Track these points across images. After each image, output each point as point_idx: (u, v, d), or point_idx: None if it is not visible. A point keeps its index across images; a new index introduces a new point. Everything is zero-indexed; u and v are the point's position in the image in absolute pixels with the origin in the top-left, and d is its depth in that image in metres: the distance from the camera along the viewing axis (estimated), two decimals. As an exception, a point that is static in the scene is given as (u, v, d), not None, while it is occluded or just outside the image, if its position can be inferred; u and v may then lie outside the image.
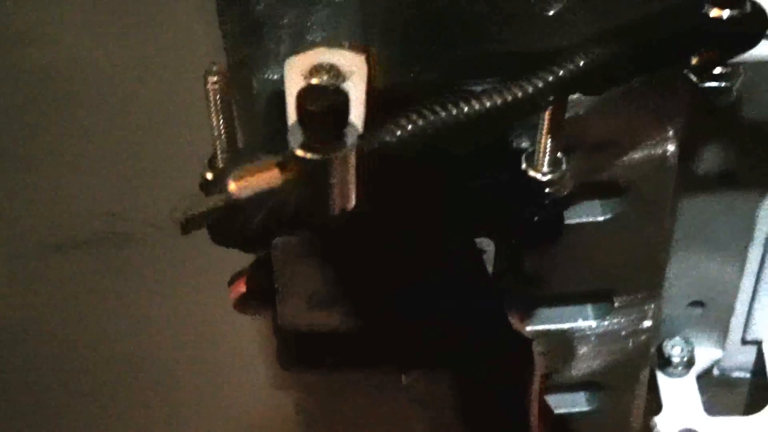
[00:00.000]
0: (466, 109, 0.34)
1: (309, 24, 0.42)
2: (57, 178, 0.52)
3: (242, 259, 0.53)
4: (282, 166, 0.31)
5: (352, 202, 0.33)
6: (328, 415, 0.55)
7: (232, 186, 0.30)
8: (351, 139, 0.32)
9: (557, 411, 0.53)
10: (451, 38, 0.39)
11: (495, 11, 0.40)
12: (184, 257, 0.55)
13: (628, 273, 0.49)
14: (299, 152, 0.31)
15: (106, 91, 0.51)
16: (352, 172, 0.32)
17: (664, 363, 0.61)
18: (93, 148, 0.53)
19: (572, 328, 0.50)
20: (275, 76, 0.40)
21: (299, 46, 0.39)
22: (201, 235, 0.55)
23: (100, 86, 0.51)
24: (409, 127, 0.33)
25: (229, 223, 0.32)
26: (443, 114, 0.34)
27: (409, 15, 0.39)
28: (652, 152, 0.43)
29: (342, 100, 0.31)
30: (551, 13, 0.40)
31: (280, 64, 0.39)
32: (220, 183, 0.31)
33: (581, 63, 0.36)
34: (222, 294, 0.55)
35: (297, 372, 0.45)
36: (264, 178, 0.31)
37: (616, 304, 0.50)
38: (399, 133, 0.33)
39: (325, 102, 0.31)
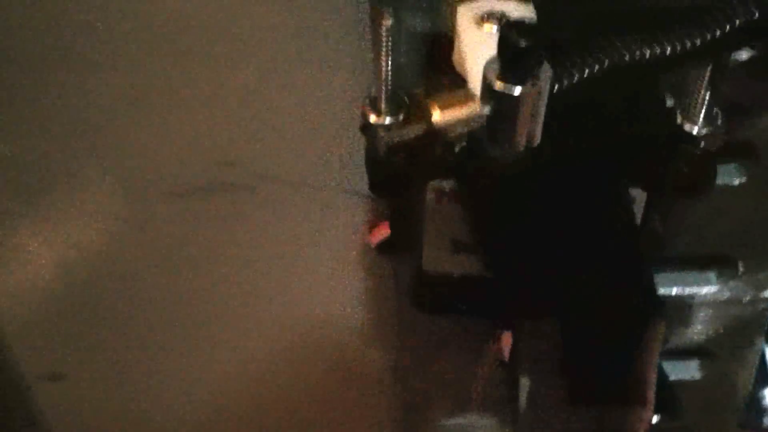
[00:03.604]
0: (648, 51, 0.35)
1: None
2: (179, 128, 0.53)
3: (356, 223, 0.54)
4: (481, 98, 0.32)
5: (538, 138, 0.34)
6: (420, 373, 0.57)
7: (436, 113, 0.31)
8: (545, 75, 0.33)
9: (670, 378, 0.54)
10: None
11: None
12: (294, 208, 0.56)
13: (756, 240, 0.49)
14: (499, 85, 0.32)
15: (225, 43, 0.52)
16: (543, 108, 0.33)
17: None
18: (213, 100, 0.54)
19: (695, 293, 0.51)
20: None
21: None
22: (310, 187, 0.57)
23: (217, 37, 0.52)
24: (596, 65, 0.34)
25: (427, 152, 0.32)
26: (626, 54, 0.35)
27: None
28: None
29: (539, 39, 0.32)
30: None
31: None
32: (418, 113, 0.32)
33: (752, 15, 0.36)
34: (328, 245, 0.56)
35: (431, 313, 0.46)
36: (464, 107, 0.32)
37: (740, 271, 0.50)
38: (586, 70, 0.34)
39: (528, 38, 0.31)
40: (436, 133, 0.32)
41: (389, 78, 0.40)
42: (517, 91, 0.32)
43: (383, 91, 0.41)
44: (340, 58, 0.48)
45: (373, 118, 0.41)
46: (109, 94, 0.52)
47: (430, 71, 0.41)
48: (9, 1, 0.48)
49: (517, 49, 0.31)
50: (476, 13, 0.39)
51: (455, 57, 0.39)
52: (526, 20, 0.34)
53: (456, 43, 0.39)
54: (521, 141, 0.33)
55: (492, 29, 0.39)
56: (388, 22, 0.39)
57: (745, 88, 0.42)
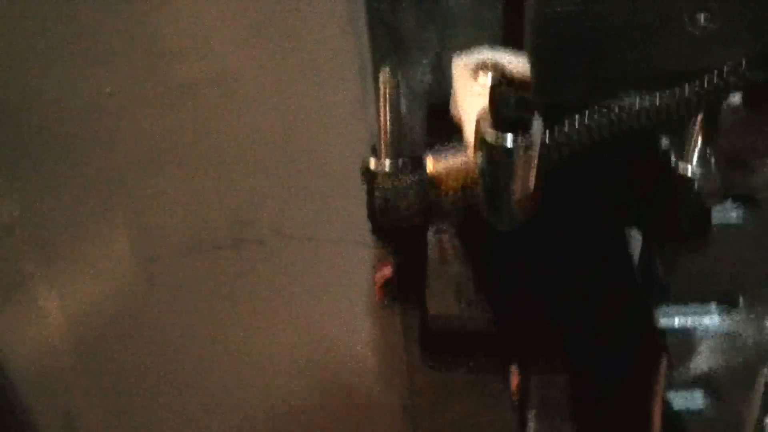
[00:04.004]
0: (636, 109, 0.36)
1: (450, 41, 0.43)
2: (195, 187, 0.54)
3: (362, 272, 0.56)
4: (474, 150, 0.33)
5: (531, 191, 0.35)
6: (434, 416, 0.57)
7: (430, 163, 0.32)
8: (537, 128, 0.34)
9: (674, 408, 0.55)
10: (601, 58, 0.41)
11: (644, 29, 0.41)
12: (307, 262, 0.57)
13: (756, 276, 0.50)
14: (490, 137, 0.33)
15: (247, 106, 0.54)
16: (535, 160, 0.34)
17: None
18: (228, 159, 0.56)
19: (697, 325, 0.52)
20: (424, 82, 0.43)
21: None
22: (322, 242, 0.58)
23: (242, 101, 0.53)
24: (585, 123, 0.35)
25: (421, 200, 0.34)
26: (614, 115, 0.36)
27: (555, 38, 0.40)
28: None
29: (530, 93, 0.33)
30: (697, 33, 0.42)
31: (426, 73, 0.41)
32: (415, 165, 0.33)
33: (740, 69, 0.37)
34: (341, 297, 0.57)
35: (440, 370, 0.47)
36: (458, 158, 0.33)
37: (740, 305, 0.51)
38: (576, 127, 0.35)
39: (519, 92, 0.33)
40: (431, 183, 0.33)
41: (389, 127, 0.42)
42: (509, 140, 0.33)
43: (384, 139, 0.42)
44: (346, 111, 0.49)
45: (372, 165, 0.42)
46: (123, 156, 0.54)
47: (432, 122, 0.42)
48: (29, 60, 0.50)
49: (508, 100, 0.32)
50: (471, 64, 0.40)
51: (452, 108, 0.40)
52: (519, 73, 0.35)
53: (452, 94, 0.40)
54: (514, 193, 0.34)
55: (486, 80, 0.40)
56: (386, 73, 0.40)
57: (738, 131, 0.43)
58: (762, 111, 0.42)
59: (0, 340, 0.59)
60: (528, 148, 0.33)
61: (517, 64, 0.40)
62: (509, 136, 0.32)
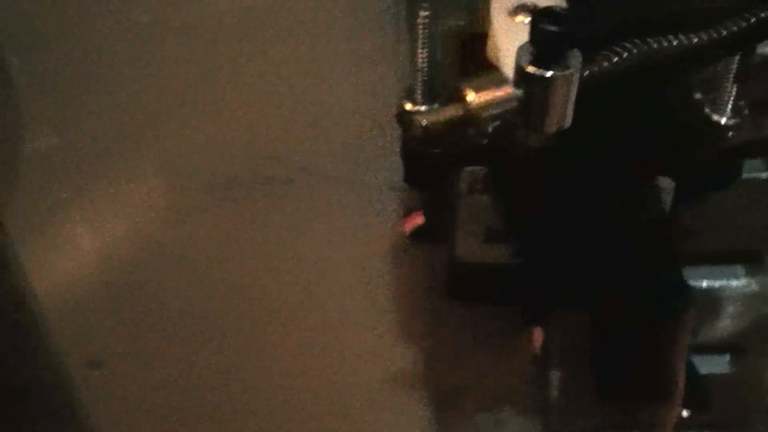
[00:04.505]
0: (675, 43, 0.36)
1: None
2: (226, 123, 0.55)
3: (382, 206, 0.56)
4: (514, 81, 0.33)
5: (569, 122, 0.35)
6: (452, 367, 0.58)
7: (470, 95, 0.33)
8: (576, 60, 0.34)
9: (701, 373, 0.55)
10: None
11: None
12: (335, 203, 0.57)
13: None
14: (530, 68, 0.33)
15: (265, 42, 0.54)
16: (574, 92, 0.34)
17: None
18: (254, 96, 0.56)
19: (723, 287, 0.52)
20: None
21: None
22: (347, 180, 0.58)
23: (257, 37, 0.53)
24: (625, 54, 0.35)
25: (462, 134, 0.34)
26: (654, 45, 0.36)
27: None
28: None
29: (572, 24, 0.33)
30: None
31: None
32: (454, 95, 0.33)
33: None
34: (364, 236, 0.57)
35: (464, 302, 0.47)
36: (498, 90, 0.33)
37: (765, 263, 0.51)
38: (616, 59, 0.35)
39: (560, 23, 0.33)
40: (470, 115, 0.33)
41: (425, 68, 0.42)
42: (549, 74, 0.33)
43: (419, 81, 0.42)
44: (377, 53, 0.50)
45: (408, 106, 0.42)
46: (155, 92, 0.54)
47: (464, 62, 0.43)
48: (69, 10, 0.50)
49: (548, 34, 0.33)
50: (509, 6, 0.41)
51: (489, 48, 0.41)
52: (557, 7, 0.35)
53: (490, 35, 0.40)
54: (552, 124, 0.34)
55: (524, 20, 0.40)
56: (424, 14, 0.40)
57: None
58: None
59: (31, 263, 0.59)
60: (567, 79, 0.34)
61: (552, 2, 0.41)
62: (550, 71, 0.33)
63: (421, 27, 0.40)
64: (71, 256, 0.58)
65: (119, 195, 0.57)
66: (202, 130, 0.56)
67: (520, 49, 0.34)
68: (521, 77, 0.33)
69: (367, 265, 0.58)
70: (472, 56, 0.42)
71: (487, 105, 0.33)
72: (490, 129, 0.33)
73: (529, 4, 0.41)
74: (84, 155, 0.56)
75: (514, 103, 0.33)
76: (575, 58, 0.34)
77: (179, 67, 0.54)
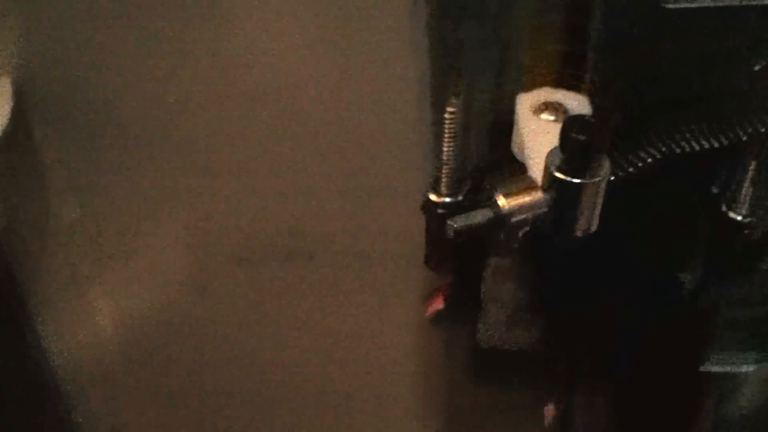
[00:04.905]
0: (693, 144, 0.37)
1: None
2: (249, 197, 0.56)
3: (401, 285, 0.57)
4: (542, 186, 0.34)
5: (595, 226, 0.36)
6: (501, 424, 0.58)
7: (501, 200, 0.34)
8: (604, 167, 0.35)
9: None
10: (664, 84, 0.42)
11: (709, 63, 0.43)
12: (355, 280, 0.58)
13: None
14: (559, 174, 0.34)
15: (304, 119, 0.55)
16: (601, 198, 0.35)
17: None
18: (284, 171, 0.57)
19: (738, 371, 0.53)
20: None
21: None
22: (367, 255, 0.59)
23: (299, 113, 0.55)
24: (649, 159, 0.37)
25: (493, 235, 0.35)
26: (676, 147, 0.37)
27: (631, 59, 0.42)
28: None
29: (601, 134, 0.34)
30: (757, 68, 0.43)
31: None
32: (486, 198, 0.34)
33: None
34: (383, 313, 0.58)
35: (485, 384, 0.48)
36: (528, 195, 0.34)
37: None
38: (641, 165, 0.37)
39: (589, 132, 0.34)
40: (500, 219, 0.34)
41: (451, 161, 0.43)
42: (578, 181, 0.34)
43: (443, 173, 0.43)
44: (403, 137, 0.51)
45: (433, 197, 0.44)
46: (180, 167, 0.55)
47: (491, 155, 0.44)
48: (97, 64, 0.52)
49: (578, 142, 0.34)
50: (534, 103, 0.42)
51: (514, 142, 0.42)
52: (586, 116, 0.36)
53: (515, 130, 0.42)
54: (580, 229, 0.35)
55: (549, 117, 0.41)
56: (451, 110, 0.42)
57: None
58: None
59: (52, 337, 0.60)
60: (596, 186, 0.35)
61: (578, 102, 0.42)
62: (579, 179, 0.34)
63: (447, 121, 0.42)
64: (92, 328, 0.59)
65: (140, 266, 0.58)
66: (224, 204, 0.57)
67: (550, 154, 0.35)
68: (551, 183, 0.35)
69: (386, 341, 0.59)
70: (498, 148, 0.43)
71: (518, 210, 0.34)
72: (519, 234, 0.35)
73: (554, 102, 0.42)
74: (106, 227, 0.57)
75: (544, 209, 0.34)
76: (604, 165, 0.35)
77: (204, 142, 0.55)
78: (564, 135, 0.34)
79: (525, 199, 0.34)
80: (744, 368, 0.54)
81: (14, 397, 0.57)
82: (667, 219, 0.43)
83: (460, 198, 0.42)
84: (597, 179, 0.34)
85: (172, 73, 0.53)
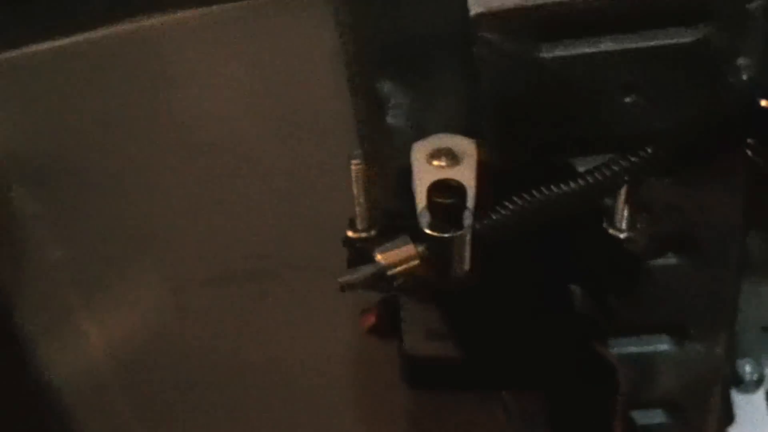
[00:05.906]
0: (556, 193, 0.43)
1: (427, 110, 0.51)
2: (217, 228, 0.62)
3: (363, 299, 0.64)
4: (415, 242, 0.41)
5: (468, 267, 0.42)
6: (439, 425, 0.65)
7: (380, 258, 0.40)
8: (468, 221, 0.41)
9: (639, 423, 0.62)
10: (544, 125, 0.48)
11: (582, 100, 0.48)
12: (316, 293, 0.65)
13: (701, 309, 0.57)
14: (428, 231, 0.41)
15: (256, 162, 0.62)
16: (468, 245, 0.41)
17: (737, 380, 0.68)
18: (245, 206, 0.64)
19: (652, 352, 0.59)
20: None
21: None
22: (328, 275, 0.66)
23: (251, 158, 0.61)
24: (510, 210, 0.42)
25: (376, 285, 0.41)
26: (537, 198, 0.43)
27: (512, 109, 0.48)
28: (718, 214, 0.51)
29: (462, 194, 0.41)
30: (627, 99, 0.49)
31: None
32: (369, 256, 0.40)
33: (653, 153, 0.44)
34: (345, 325, 0.65)
35: (419, 389, 0.54)
36: (402, 252, 0.40)
37: (690, 334, 0.58)
38: (502, 215, 0.42)
39: (449, 195, 0.40)
40: (382, 273, 0.40)
41: (362, 203, 0.49)
42: (446, 235, 0.40)
43: (357, 214, 0.49)
44: (335, 176, 0.57)
45: (350, 234, 0.50)
46: (154, 206, 0.62)
47: (398, 194, 0.50)
48: (76, 127, 0.59)
49: (441, 206, 0.40)
50: (428, 150, 0.48)
51: (413, 187, 0.48)
52: (450, 180, 0.42)
53: (413, 176, 0.48)
54: (454, 271, 0.42)
55: (441, 164, 0.47)
56: (356, 162, 0.48)
57: (664, 195, 0.50)
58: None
59: (46, 363, 0.68)
60: (462, 238, 0.41)
61: (467, 148, 0.48)
62: (446, 233, 0.40)
63: (354, 173, 0.48)
64: (82, 351, 0.66)
65: (123, 294, 0.65)
66: (195, 236, 0.64)
67: (421, 213, 0.41)
68: (422, 238, 0.41)
69: (337, 355, 0.66)
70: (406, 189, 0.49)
71: (393, 264, 0.40)
72: (397, 282, 0.41)
73: (444, 148, 0.48)
74: (90, 263, 0.64)
75: (416, 261, 0.41)
76: (467, 219, 0.41)
77: (172, 186, 0.62)
78: (429, 199, 0.40)
79: (399, 254, 0.40)
80: (660, 348, 0.60)
81: (13, 419, 0.65)
82: (558, 237, 0.49)
83: (373, 233, 0.48)
84: (461, 232, 0.41)
85: (138, 134, 0.60)
